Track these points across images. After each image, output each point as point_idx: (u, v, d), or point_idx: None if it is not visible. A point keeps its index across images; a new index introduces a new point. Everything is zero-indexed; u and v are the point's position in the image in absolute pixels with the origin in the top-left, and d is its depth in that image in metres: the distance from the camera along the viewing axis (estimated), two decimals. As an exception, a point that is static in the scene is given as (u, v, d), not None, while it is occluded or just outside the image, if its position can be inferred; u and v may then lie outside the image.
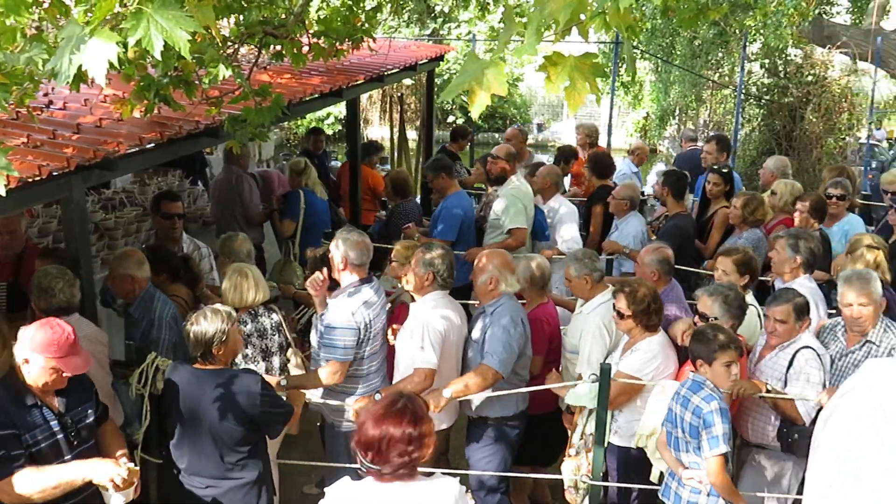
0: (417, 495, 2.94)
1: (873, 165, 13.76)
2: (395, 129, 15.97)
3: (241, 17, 5.01)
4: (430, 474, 3.11)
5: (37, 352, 3.42)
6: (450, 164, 7.39)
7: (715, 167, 7.64)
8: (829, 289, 5.71)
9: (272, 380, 4.44)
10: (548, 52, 2.10)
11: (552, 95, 29.38)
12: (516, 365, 4.62)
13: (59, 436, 3.57)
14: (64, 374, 3.50)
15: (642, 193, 8.14)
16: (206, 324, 3.94)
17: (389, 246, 7.05)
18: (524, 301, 5.21)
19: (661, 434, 4.24)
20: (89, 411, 3.76)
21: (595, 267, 5.14)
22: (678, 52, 17.36)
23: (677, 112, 19.68)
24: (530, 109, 26.99)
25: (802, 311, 4.36)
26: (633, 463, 4.66)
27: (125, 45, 2.43)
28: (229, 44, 4.97)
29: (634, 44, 18.29)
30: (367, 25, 6.53)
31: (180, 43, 2.36)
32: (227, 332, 3.96)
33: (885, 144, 18.02)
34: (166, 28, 2.35)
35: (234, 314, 4.15)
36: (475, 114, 2.15)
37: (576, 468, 4.70)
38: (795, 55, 14.30)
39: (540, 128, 26.42)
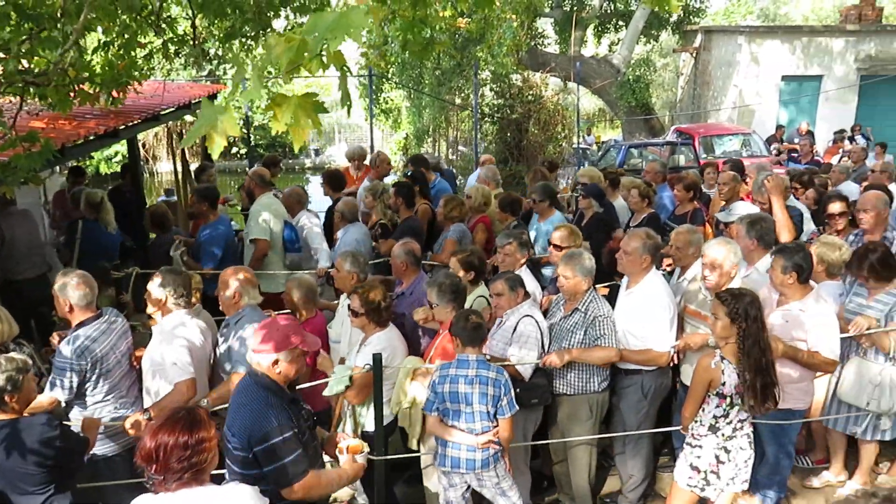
0: (209, 502, 2.75)
1: (586, 165, 14.95)
2: (179, 163, 15.14)
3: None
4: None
5: (279, 350, 3.23)
6: (216, 194, 7.09)
7: (406, 174, 7.97)
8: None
9: None
10: (273, 94, 2.08)
11: (326, 123, 29.30)
12: None
13: (308, 423, 3.40)
14: (307, 358, 3.39)
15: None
16: None
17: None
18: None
19: (431, 419, 4.19)
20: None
21: (363, 268, 5.23)
22: (427, 82, 17.91)
23: (431, 132, 20.29)
24: (308, 136, 26.69)
25: (514, 284, 4.62)
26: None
27: None
28: (-12, 93, 4.51)
29: (389, 75, 18.72)
30: (137, 72, 6.18)
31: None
32: (19, 380, 3.50)
33: (594, 147, 19.69)
34: None
35: (29, 362, 3.68)
36: (215, 153, 2.10)
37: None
38: (517, 80, 15.19)
39: (317, 152, 26.26)
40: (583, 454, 4.85)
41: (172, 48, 7.35)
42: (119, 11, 5.89)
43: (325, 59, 2.07)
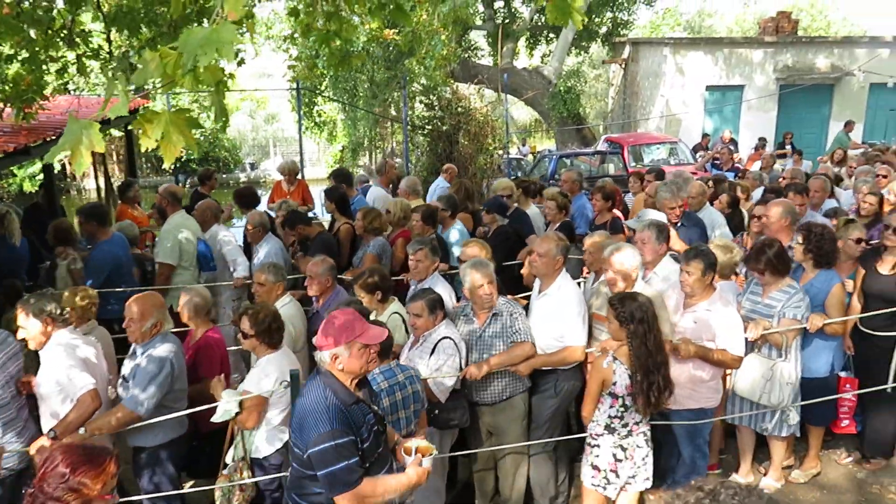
0: None
1: (519, 175, 15.12)
2: (101, 179, 14.71)
3: None
4: None
5: (337, 344, 3.07)
6: (103, 212, 6.83)
7: (325, 190, 7.89)
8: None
9: None
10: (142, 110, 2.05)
11: (260, 136, 28.96)
12: (167, 399, 4.31)
13: (375, 428, 3.19)
14: (373, 352, 3.15)
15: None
16: None
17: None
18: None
19: None
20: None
21: (284, 276, 5.29)
22: (360, 94, 17.86)
23: (366, 144, 20.25)
24: (241, 151, 26.31)
25: (434, 306, 4.56)
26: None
27: None
28: None
29: (321, 88, 18.61)
30: (45, 87, 6.03)
31: None
32: None
33: (529, 157, 19.93)
34: None
35: None
36: (79, 171, 2.05)
37: (227, 488, 4.34)
38: (447, 92, 15.24)
39: (252, 166, 25.92)
40: (519, 458, 4.90)
41: (88, 63, 7.17)
42: (25, 26, 5.75)
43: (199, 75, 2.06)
